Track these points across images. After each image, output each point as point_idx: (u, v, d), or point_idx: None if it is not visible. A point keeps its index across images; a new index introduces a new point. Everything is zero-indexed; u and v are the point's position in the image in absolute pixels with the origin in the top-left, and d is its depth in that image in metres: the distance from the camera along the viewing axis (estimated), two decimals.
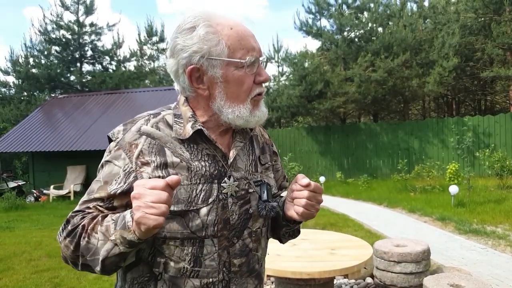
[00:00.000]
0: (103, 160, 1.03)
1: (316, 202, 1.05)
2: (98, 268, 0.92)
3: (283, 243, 1.32)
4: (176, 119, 1.05)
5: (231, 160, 1.07)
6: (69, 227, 0.96)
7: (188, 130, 1.02)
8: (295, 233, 1.26)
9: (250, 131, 1.17)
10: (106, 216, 0.95)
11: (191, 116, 1.04)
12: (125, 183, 0.98)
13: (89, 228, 0.93)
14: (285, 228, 1.20)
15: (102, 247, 0.90)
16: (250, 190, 1.09)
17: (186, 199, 0.99)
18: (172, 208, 0.96)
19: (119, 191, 0.98)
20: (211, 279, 1.02)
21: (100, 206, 0.99)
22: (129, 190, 0.93)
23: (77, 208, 1.01)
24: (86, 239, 0.92)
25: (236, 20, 1.03)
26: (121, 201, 0.99)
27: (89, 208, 0.99)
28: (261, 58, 1.05)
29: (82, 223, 0.94)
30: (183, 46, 1.00)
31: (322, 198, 1.07)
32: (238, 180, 1.07)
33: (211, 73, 1.00)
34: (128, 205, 0.95)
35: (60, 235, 0.98)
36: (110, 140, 1.05)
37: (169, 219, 0.97)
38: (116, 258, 0.91)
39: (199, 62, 0.99)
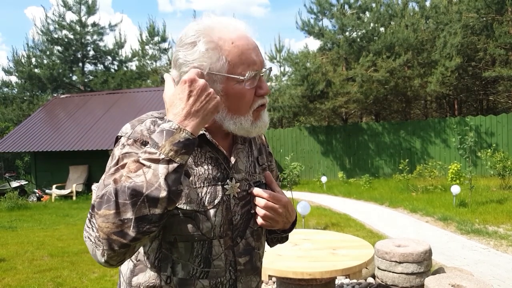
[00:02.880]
0: (119, 154, 0.96)
1: (276, 214, 1.05)
2: (163, 193, 0.82)
3: (270, 247, 1.34)
4: None
5: (233, 162, 1.10)
6: (97, 200, 0.83)
7: None
8: (283, 239, 1.30)
9: None
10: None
11: None
12: None
13: (122, 177, 0.84)
14: (274, 234, 1.24)
15: (156, 171, 0.83)
16: (250, 191, 1.11)
17: (196, 199, 1.01)
18: (185, 207, 0.99)
19: None
20: (219, 279, 1.04)
21: None
22: None
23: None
24: (129, 181, 0.82)
25: (239, 32, 1.02)
26: None
27: None
28: (264, 70, 1.06)
29: (109, 185, 0.84)
30: (184, 60, 1.01)
31: (281, 211, 1.06)
32: (239, 182, 1.10)
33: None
34: None
35: (90, 226, 0.85)
36: (117, 140, 1.03)
37: (180, 221, 0.99)
38: (176, 173, 0.84)
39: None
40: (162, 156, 0.84)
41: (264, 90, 1.05)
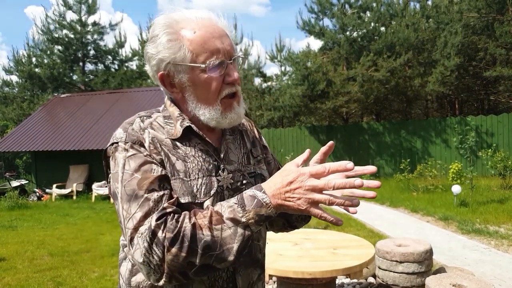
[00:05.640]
0: (122, 160, 0.98)
1: None
2: (231, 258, 0.89)
3: (298, 228, 1.31)
4: (166, 120, 1.08)
5: (223, 153, 1.10)
6: (170, 235, 0.87)
7: (178, 129, 1.05)
8: (306, 217, 1.26)
9: (238, 125, 1.20)
10: (213, 206, 0.94)
11: (178, 115, 1.08)
12: (164, 167, 1.00)
13: (205, 223, 0.89)
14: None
15: (235, 233, 0.89)
16: (244, 182, 1.12)
17: (190, 192, 1.01)
18: (179, 200, 0.99)
19: (165, 172, 0.99)
20: (218, 273, 1.03)
21: (161, 197, 0.94)
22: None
23: (138, 216, 0.91)
24: (207, 233, 0.88)
25: (204, 22, 1.02)
26: (168, 182, 0.99)
27: (163, 208, 0.91)
28: (233, 57, 1.05)
29: (189, 224, 0.88)
30: (151, 54, 1.04)
31: None
32: (232, 173, 1.10)
33: (178, 78, 1.04)
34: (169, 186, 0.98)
35: (151, 252, 0.87)
36: (106, 152, 1.05)
37: None
38: (247, 243, 0.91)
39: (166, 69, 1.03)
40: (244, 220, 0.89)
41: (232, 78, 1.04)
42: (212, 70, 1.01)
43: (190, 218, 0.90)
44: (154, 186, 0.95)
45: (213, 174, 1.06)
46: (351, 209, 0.96)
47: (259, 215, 0.90)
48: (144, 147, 1.00)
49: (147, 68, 1.09)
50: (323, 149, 1.03)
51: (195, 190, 1.01)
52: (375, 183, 0.94)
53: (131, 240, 0.90)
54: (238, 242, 0.89)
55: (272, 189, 0.91)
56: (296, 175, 0.89)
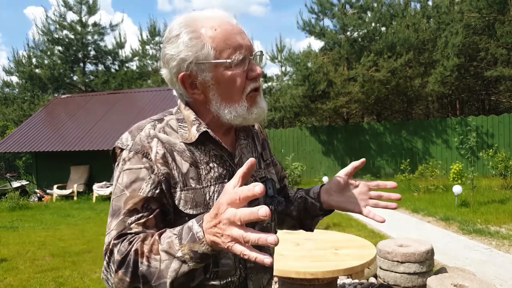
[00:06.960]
0: (118, 172, 0.98)
1: None
2: None
3: (312, 230, 1.32)
4: (180, 124, 1.05)
5: (237, 158, 1.08)
6: (118, 257, 0.85)
7: (194, 134, 1.02)
8: (320, 216, 1.29)
9: (252, 127, 1.19)
10: (162, 233, 0.86)
11: (194, 119, 1.04)
12: (158, 183, 0.96)
13: (144, 251, 0.84)
14: (321, 217, 1.25)
15: (168, 267, 0.81)
16: None
17: (203, 202, 0.99)
18: (191, 212, 0.97)
19: (157, 191, 0.95)
20: (229, 278, 1.02)
21: (139, 218, 0.92)
22: (163, 191, 0.95)
23: (113, 233, 0.90)
24: (145, 263, 0.83)
25: (222, 19, 1.02)
26: (158, 202, 0.95)
27: (129, 228, 0.90)
28: (254, 53, 1.04)
29: (133, 248, 0.85)
30: (171, 55, 1.01)
31: None
32: None
33: (202, 78, 1.01)
34: (164, 204, 0.95)
35: (109, 270, 0.87)
36: (114, 152, 1.03)
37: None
38: (185, 277, 0.82)
39: (189, 68, 1.00)
40: (179, 255, 0.80)
41: (256, 72, 1.02)
42: (237, 66, 1.00)
43: (138, 243, 0.86)
44: (137, 206, 0.93)
45: (226, 180, 1.03)
46: (377, 217, 1.09)
47: (194, 252, 0.79)
48: (147, 157, 0.97)
49: (163, 71, 1.05)
50: (355, 164, 1.15)
51: (207, 198, 0.99)
52: (392, 184, 1.02)
53: (104, 255, 0.90)
54: (171, 278, 0.81)
55: (211, 217, 0.78)
56: (218, 206, 0.76)
